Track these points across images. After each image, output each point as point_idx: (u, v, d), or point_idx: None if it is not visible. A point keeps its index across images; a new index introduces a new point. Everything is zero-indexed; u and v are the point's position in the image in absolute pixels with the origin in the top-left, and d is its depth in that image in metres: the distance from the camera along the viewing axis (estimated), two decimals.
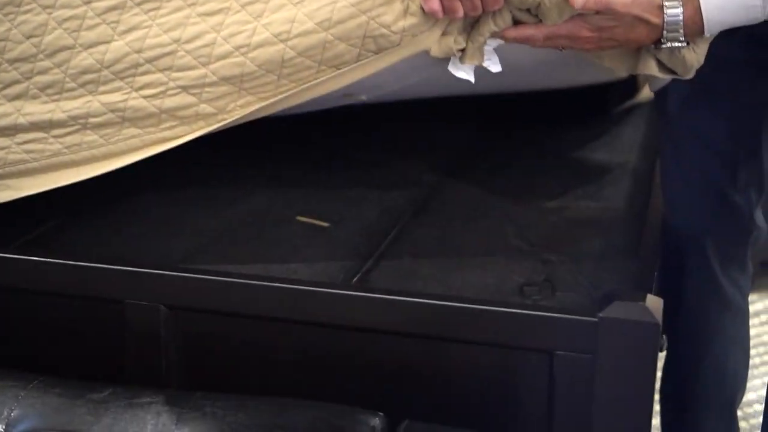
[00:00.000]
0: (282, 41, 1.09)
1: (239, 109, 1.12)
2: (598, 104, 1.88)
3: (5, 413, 1.00)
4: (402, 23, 1.08)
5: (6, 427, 1.00)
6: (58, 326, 1.15)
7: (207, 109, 1.12)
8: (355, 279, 1.14)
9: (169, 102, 1.12)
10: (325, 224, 1.31)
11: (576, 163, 1.55)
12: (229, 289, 1.08)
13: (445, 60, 1.24)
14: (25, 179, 1.18)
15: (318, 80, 1.10)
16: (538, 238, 1.25)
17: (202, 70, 1.10)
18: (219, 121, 1.13)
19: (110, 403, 1.00)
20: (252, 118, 1.13)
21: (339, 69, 1.10)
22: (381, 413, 1.00)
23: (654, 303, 0.97)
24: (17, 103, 1.16)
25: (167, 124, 1.13)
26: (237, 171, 1.51)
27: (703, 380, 1.35)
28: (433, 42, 1.11)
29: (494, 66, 1.14)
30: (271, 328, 1.08)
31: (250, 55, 1.09)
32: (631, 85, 1.92)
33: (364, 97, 1.38)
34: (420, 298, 1.03)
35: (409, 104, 1.73)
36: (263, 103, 1.11)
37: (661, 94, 1.33)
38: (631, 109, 1.89)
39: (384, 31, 1.07)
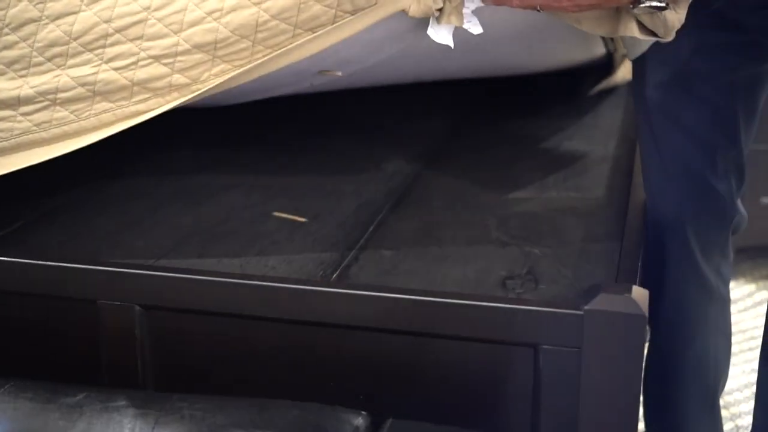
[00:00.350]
0: (255, 4, 1.05)
1: (214, 78, 1.08)
2: (574, 88, 1.88)
3: None
4: None
5: None
6: (30, 327, 1.12)
7: (180, 79, 1.08)
8: (334, 275, 1.11)
9: (140, 73, 1.08)
10: (303, 219, 1.28)
11: (554, 152, 1.54)
12: (205, 287, 1.05)
13: (421, 30, 1.22)
14: None
15: (293, 44, 1.07)
16: (520, 230, 1.23)
17: (173, 38, 1.07)
18: (193, 92, 1.09)
19: (84, 407, 0.97)
20: (226, 87, 1.09)
21: (315, 32, 1.06)
22: (364, 412, 0.98)
23: (640, 294, 0.95)
24: None
25: (140, 97, 1.10)
26: (211, 167, 1.49)
27: (686, 370, 1.34)
28: (411, 1, 1.08)
29: (475, 28, 1.11)
30: (249, 326, 1.06)
31: (223, 20, 1.06)
32: (607, 68, 1.91)
33: (339, 73, 1.35)
34: (401, 294, 1.01)
35: (386, 94, 1.72)
36: (238, 71, 1.08)
37: (638, 79, 1.31)
38: (608, 93, 1.88)
39: None
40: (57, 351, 1.11)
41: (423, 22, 1.17)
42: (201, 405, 0.97)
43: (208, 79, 1.09)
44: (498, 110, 1.77)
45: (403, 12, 1.13)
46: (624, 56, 1.81)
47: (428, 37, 1.21)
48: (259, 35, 1.06)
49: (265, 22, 1.06)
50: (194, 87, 1.08)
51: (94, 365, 1.09)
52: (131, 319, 1.07)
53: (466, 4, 1.10)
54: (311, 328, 1.04)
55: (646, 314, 0.94)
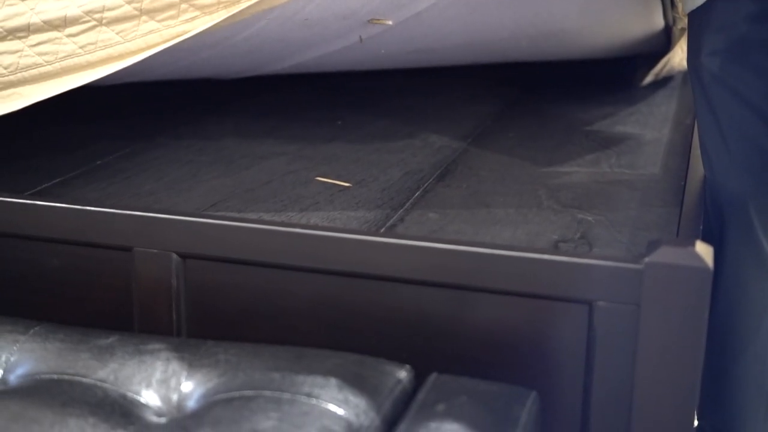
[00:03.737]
0: None
1: None
2: (625, 77, 1.82)
3: (3, 358, 0.94)
4: None
5: (4, 372, 0.93)
6: (64, 274, 1.08)
7: None
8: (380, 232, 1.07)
9: None
10: (347, 184, 1.24)
11: (607, 135, 1.49)
12: (246, 236, 1.01)
13: None
14: (38, 84, 1.11)
15: None
16: (572, 200, 1.19)
17: None
18: (239, 6, 1.05)
19: (116, 348, 0.94)
20: (275, 4, 1.05)
21: None
22: (408, 365, 0.94)
23: (704, 249, 0.90)
24: (30, 2, 1.09)
25: (187, 16, 1.05)
26: (254, 136, 1.45)
27: (744, 357, 1.27)
28: None
29: None
30: (289, 278, 1.01)
31: None
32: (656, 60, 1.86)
33: (389, 22, 1.30)
34: (450, 245, 0.96)
35: (433, 78, 1.68)
36: None
37: (693, 47, 1.25)
38: (662, 83, 1.83)
39: None
40: (90, 300, 1.07)
41: None
42: (236, 351, 0.93)
43: None
44: (546, 97, 1.73)
45: None
46: (682, 30, 1.74)
47: None
48: None
49: None
50: (243, 3, 1.04)
51: (127, 315, 1.05)
52: (168, 268, 1.03)
53: None
54: (354, 280, 0.99)
55: (712, 269, 0.89)
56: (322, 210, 1.15)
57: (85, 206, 1.06)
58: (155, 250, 1.03)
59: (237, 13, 1.04)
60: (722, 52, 1.20)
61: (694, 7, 1.22)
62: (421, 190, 1.22)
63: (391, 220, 1.11)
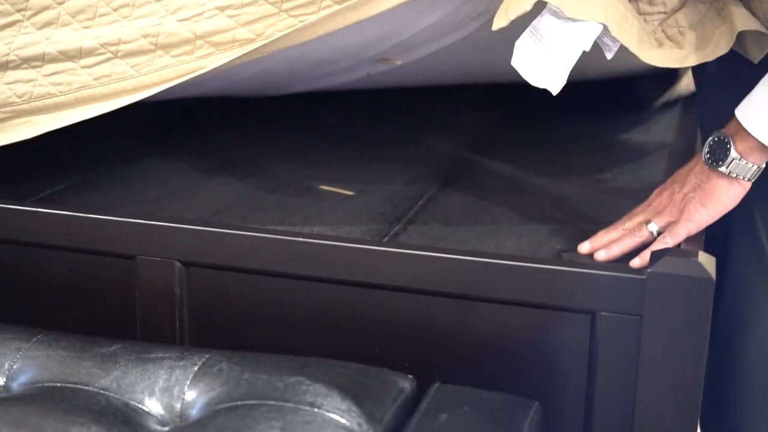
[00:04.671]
0: None
1: (278, 34, 1.04)
2: (631, 94, 1.82)
3: (6, 366, 0.94)
4: None
5: (6, 380, 0.93)
6: (67, 282, 1.08)
7: (245, 33, 1.04)
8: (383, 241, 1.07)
9: (205, 25, 1.05)
10: (350, 192, 1.24)
11: (611, 145, 1.49)
12: (247, 244, 1.02)
13: (485, 17, 1.18)
14: (50, 114, 1.12)
15: None
16: (575, 209, 1.19)
17: None
18: (254, 45, 1.05)
19: (119, 356, 0.94)
20: (288, 44, 1.05)
21: None
22: (410, 376, 0.94)
23: (707, 259, 0.90)
24: (46, 31, 1.10)
25: (202, 52, 1.06)
26: (257, 144, 1.45)
27: (747, 362, 1.27)
28: None
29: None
30: (292, 286, 1.01)
31: None
32: (670, 79, 1.86)
33: (398, 62, 1.31)
34: (453, 254, 0.96)
35: (436, 85, 1.68)
36: (303, 23, 1.03)
37: None
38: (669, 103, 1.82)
39: None
40: (93, 308, 1.07)
41: (487, 9, 1.14)
42: (239, 359, 0.93)
43: (272, 35, 1.05)
44: (549, 105, 1.73)
45: None
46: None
47: (490, 25, 1.18)
48: None
49: None
50: (258, 42, 1.04)
51: (129, 323, 1.05)
52: (171, 276, 1.03)
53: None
54: (358, 290, 0.99)
55: (714, 279, 0.89)
56: (326, 218, 1.15)
57: (89, 214, 1.06)
58: (158, 258, 1.04)
59: (251, 51, 1.04)
60: (726, 60, 1.20)
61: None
62: (424, 198, 1.22)
63: (395, 229, 1.11)
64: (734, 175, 1.00)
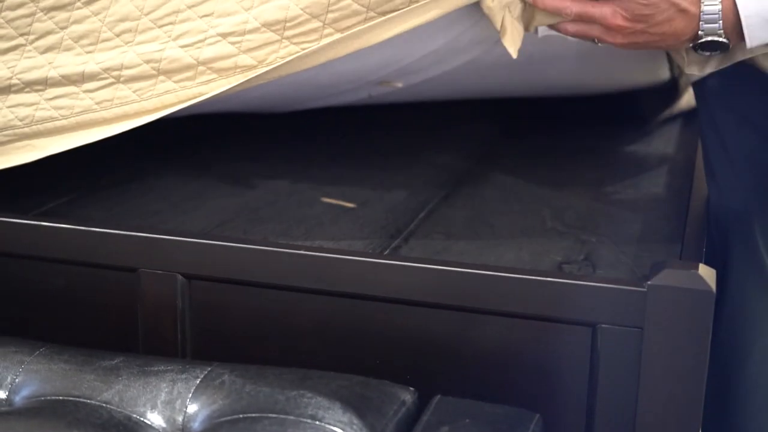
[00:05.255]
0: None
1: (280, 61, 1.05)
2: (631, 109, 1.83)
3: (8, 380, 0.95)
4: None
5: (9, 393, 0.94)
6: (70, 295, 1.09)
7: (246, 60, 1.05)
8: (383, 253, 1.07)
9: (207, 51, 1.05)
10: (351, 205, 1.25)
11: (611, 155, 1.49)
12: (249, 257, 1.02)
13: (487, 43, 1.19)
14: (51, 138, 1.12)
15: (365, 26, 1.02)
16: (576, 221, 1.19)
17: (243, 15, 1.03)
18: (256, 72, 1.06)
19: (122, 369, 0.94)
20: (290, 71, 1.06)
21: (386, 15, 1.01)
22: (411, 388, 0.94)
23: (707, 272, 0.90)
24: (49, 56, 1.10)
25: (204, 78, 1.06)
26: (259, 157, 1.46)
27: (748, 379, 1.27)
28: None
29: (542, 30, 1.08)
30: (294, 299, 1.02)
31: None
32: (670, 92, 1.86)
33: (399, 84, 1.33)
34: (454, 267, 0.97)
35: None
36: (304, 52, 1.03)
37: None
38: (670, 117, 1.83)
39: None
40: (95, 321, 1.08)
41: (489, 35, 1.15)
42: (240, 372, 0.94)
43: (274, 62, 1.06)
44: (550, 117, 1.73)
45: (471, 23, 1.11)
46: (687, 82, 1.75)
47: (494, 51, 1.19)
48: (330, 15, 1.03)
49: (338, 1, 1.01)
50: (260, 69, 1.05)
51: (131, 336, 1.05)
52: (173, 289, 1.04)
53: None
54: (359, 302, 1.00)
55: (714, 291, 0.89)
56: (327, 230, 1.15)
57: (91, 227, 1.07)
58: (160, 271, 1.04)
59: (252, 78, 1.05)
60: (725, 71, 1.21)
61: (697, 79, 1.24)
62: (425, 210, 1.22)
63: (396, 241, 1.12)
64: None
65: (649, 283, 0.90)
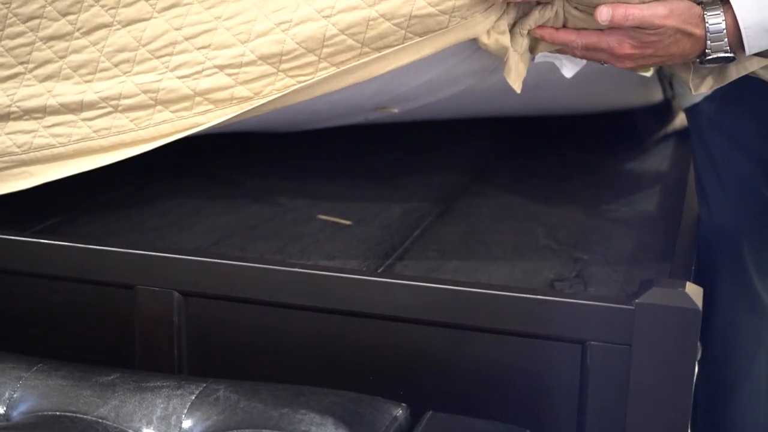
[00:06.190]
0: (325, 17, 1.03)
1: (275, 93, 1.06)
2: (626, 127, 1.84)
3: (6, 395, 0.96)
4: (451, 2, 1.02)
5: (6, 409, 0.95)
6: (67, 312, 1.10)
7: (243, 91, 1.06)
8: (378, 271, 1.09)
9: (204, 83, 1.07)
10: (348, 222, 1.26)
11: (604, 174, 1.51)
12: (245, 274, 1.03)
13: (483, 74, 1.21)
14: (48, 165, 1.13)
15: (359, 61, 1.04)
16: (569, 238, 1.20)
17: (240, 48, 1.05)
18: (253, 104, 1.08)
19: (118, 386, 0.95)
20: (285, 103, 1.07)
21: (381, 52, 1.03)
22: (403, 404, 0.95)
23: (694, 290, 0.92)
24: (48, 84, 1.12)
25: (200, 108, 1.08)
26: (256, 173, 1.47)
27: (738, 396, 1.28)
28: (482, 31, 1.05)
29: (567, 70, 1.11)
30: (290, 316, 1.03)
31: (291, 31, 1.04)
32: (665, 110, 1.88)
33: (395, 110, 1.34)
34: (446, 285, 0.98)
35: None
36: (300, 85, 1.05)
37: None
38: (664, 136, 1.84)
39: (431, 10, 1.02)
40: (92, 337, 1.09)
41: (484, 66, 1.16)
42: (235, 388, 0.95)
43: (270, 94, 1.07)
44: (544, 135, 1.75)
45: (467, 55, 1.12)
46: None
47: (489, 80, 1.20)
48: (326, 50, 1.04)
49: (333, 36, 1.03)
50: (255, 101, 1.06)
51: (128, 352, 1.07)
52: (169, 306, 1.05)
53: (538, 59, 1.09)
54: (353, 319, 1.01)
55: (701, 310, 0.90)
56: (323, 248, 1.17)
57: (88, 245, 1.08)
58: (157, 288, 1.05)
59: (248, 111, 1.06)
60: (718, 97, 1.22)
61: (689, 105, 1.25)
62: (420, 228, 1.24)
63: (391, 259, 1.13)
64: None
65: (636, 301, 0.92)
